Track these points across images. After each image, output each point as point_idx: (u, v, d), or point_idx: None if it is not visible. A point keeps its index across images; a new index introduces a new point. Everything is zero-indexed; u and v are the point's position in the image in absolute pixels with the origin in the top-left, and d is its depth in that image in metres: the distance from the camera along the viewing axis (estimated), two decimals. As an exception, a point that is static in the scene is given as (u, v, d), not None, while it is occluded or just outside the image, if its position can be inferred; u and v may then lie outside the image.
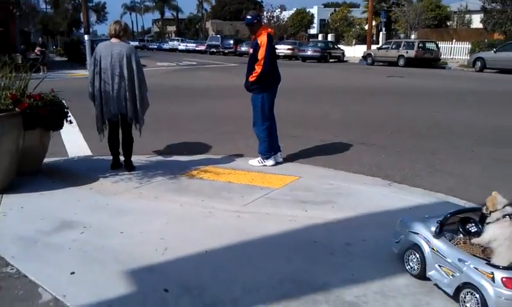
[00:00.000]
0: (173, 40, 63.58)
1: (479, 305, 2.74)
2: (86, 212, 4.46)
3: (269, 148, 6.28)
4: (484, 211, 3.07)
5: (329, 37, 45.60)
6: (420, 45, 28.90)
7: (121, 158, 5.95)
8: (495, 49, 24.45)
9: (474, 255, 2.94)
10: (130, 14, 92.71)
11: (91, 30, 31.13)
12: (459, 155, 7.04)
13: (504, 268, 2.73)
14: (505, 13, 27.88)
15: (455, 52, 33.01)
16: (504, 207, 2.95)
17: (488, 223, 3.00)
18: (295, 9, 54.96)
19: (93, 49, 10.11)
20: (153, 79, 14.98)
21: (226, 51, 46.35)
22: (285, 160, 6.58)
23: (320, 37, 47.81)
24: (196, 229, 4.10)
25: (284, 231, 4.03)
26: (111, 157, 5.93)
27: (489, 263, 2.81)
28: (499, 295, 2.65)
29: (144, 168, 5.98)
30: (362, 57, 33.38)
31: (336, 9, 50.29)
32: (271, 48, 5.97)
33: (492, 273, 2.71)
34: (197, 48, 51.80)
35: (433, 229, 3.15)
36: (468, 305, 2.82)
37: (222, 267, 3.40)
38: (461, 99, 13.55)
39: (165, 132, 8.61)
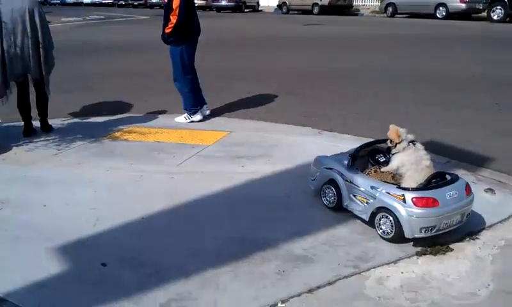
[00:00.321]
0: (77, -7, 59.45)
1: (393, 225, 2.98)
2: (1, 186, 4.03)
3: (195, 102, 6.04)
4: (389, 144, 3.34)
5: (243, -14, 44.75)
6: (333, -8, 29.10)
7: (34, 124, 5.47)
8: (405, -6, 25.12)
9: (385, 181, 3.20)
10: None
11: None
12: (379, 99, 7.18)
13: (413, 189, 3.00)
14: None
15: (366, -2, 33.72)
16: (406, 136, 3.27)
17: (393, 153, 3.30)
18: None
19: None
20: (60, 36, 13.91)
21: (136, 3, 44.33)
22: (211, 114, 6.38)
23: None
24: (127, 195, 3.82)
25: (223, 189, 3.87)
26: (22, 123, 5.42)
27: (399, 187, 3.07)
28: (410, 214, 2.89)
29: (61, 132, 5.54)
30: (277, 6, 33.09)
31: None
32: None
33: (403, 195, 2.95)
34: (104, 1, 48.87)
35: (346, 162, 3.37)
36: (383, 227, 3.05)
37: (161, 233, 3.21)
38: (377, 44, 13.85)
39: (79, 92, 8.02)
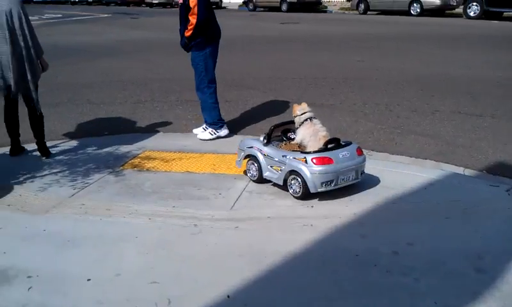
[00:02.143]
0: (26, -11, 56.43)
1: (301, 184, 3.61)
2: (18, 248, 3.09)
3: (220, 114, 5.42)
4: (293, 115, 4.09)
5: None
6: (301, -12, 28.45)
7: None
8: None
9: (293, 150, 3.85)
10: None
11: None
12: (421, 113, 6.54)
13: (313, 152, 3.68)
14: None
15: (334, -5, 33.30)
16: (303, 113, 3.99)
17: (297, 128, 4.01)
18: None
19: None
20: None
21: (90, 0, 42.49)
22: (231, 131, 5.63)
23: (193, -18, 45.41)
24: (192, 259, 2.95)
25: (310, 243, 3.07)
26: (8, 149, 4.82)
27: (302, 152, 3.74)
28: (312, 172, 3.54)
29: (66, 162, 4.65)
30: (243, 2, 32.03)
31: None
32: None
33: (305, 157, 3.61)
34: (56, -1, 46.39)
35: (262, 139, 4.02)
36: (293, 187, 3.70)
37: (266, 322, 2.39)
38: (377, 45, 13.18)
39: (66, 106, 7.03)
